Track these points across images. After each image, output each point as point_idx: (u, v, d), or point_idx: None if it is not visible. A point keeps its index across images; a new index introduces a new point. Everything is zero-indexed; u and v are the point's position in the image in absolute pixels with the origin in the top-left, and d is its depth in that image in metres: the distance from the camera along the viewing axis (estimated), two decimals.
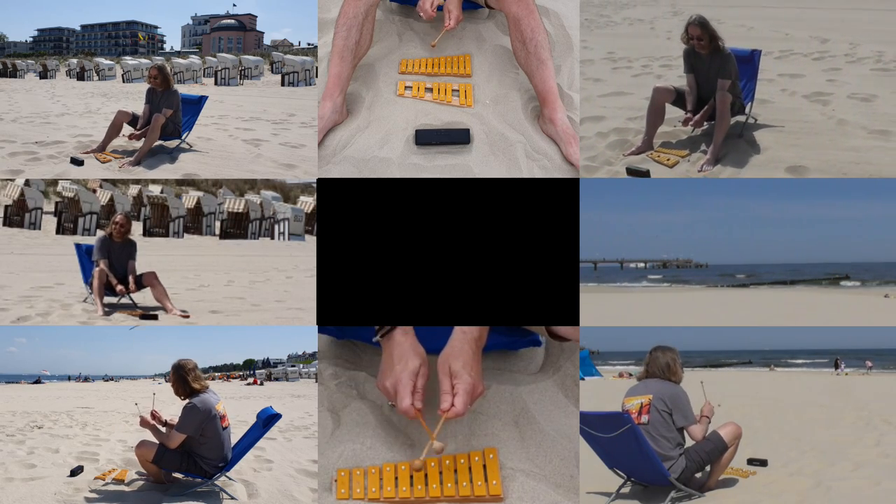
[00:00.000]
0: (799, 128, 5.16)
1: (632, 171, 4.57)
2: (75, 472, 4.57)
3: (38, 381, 14.18)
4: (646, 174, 4.56)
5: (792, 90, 5.86)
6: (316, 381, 3.94)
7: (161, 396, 4.79)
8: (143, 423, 4.28)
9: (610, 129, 5.07)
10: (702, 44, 4.80)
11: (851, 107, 5.52)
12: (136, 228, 9.59)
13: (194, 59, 10.01)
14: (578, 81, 4.80)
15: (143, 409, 4.42)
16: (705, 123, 4.91)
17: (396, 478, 3.46)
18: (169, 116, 5.87)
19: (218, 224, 10.37)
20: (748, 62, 5.03)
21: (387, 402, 3.68)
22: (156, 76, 5.94)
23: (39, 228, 9.38)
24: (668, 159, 4.73)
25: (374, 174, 4.26)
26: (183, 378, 4.22)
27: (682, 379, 4.34)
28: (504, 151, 4.34)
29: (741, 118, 5.03)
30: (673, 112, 5.03)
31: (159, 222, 10.03)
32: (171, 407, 4.34)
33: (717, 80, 4.79)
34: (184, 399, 4.22)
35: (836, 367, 14.72)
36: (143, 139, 5.74)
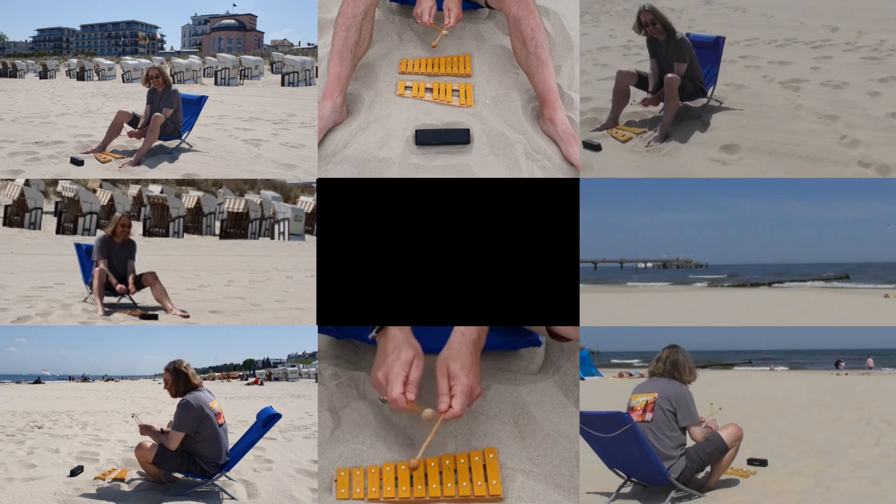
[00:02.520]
0: (756, 111, 5.41)
1: (586, 145, 4.87)
2: (75, 472, 4.57)
3: (38, 381, 14.17)
4: (597, 148, 4.89)
5: (772, 77, 6.05)
6: (316, 381, 3.94)
7: (159, 397, 4.79)
8: (143, 430, 4.28)
9: (590, 108, 5.36)
10: (656, 28, 5.06)
11: (818, 93, 5.70)
12: (136, 228, 9.60)
13: (194, 59, 10.00)
14: (578, 81, 4.80)
15: (142, 416, 4.42)
16: (661, 104, 5.19)
17: (396, 478, 3.46)
18: (169, 116, 5.87)
19: (218, 224, 10.36)
20: (713, 48, 5.30)
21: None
22: (157, 76, 5.95)
23: (39, 228, 9.37)
24: (623, 135, 5.06)
25: (374, 174, 4.26)
26: (184, 374, 4.24)
27: (695, 379, 4.35)
28: (504, 151, 4.34)
29: (703, 100, 5.32)
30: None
31: (159, 222, 10.02)
32: (170, 407, 4.34)
33: (673, 64, 5.08)
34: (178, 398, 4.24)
35: (837, 366, 14.71)
36: (143, 139, 5.74)
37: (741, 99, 5.55)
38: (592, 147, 4.88)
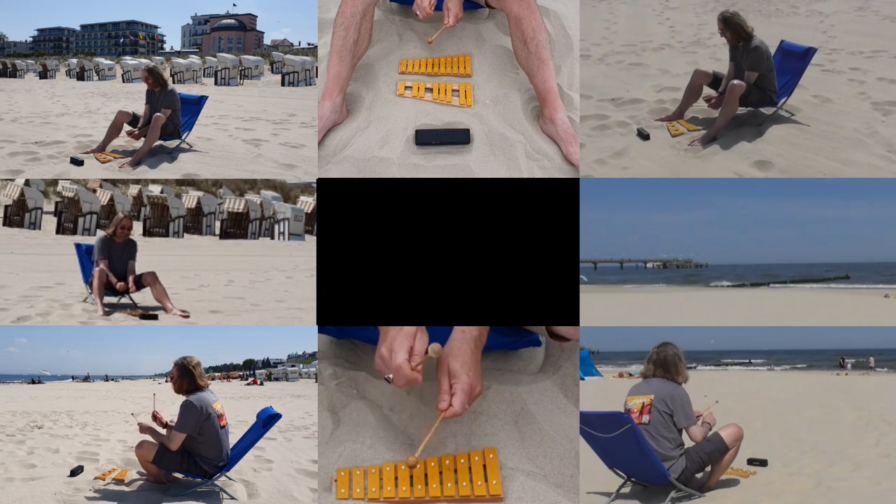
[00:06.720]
0: (821, 131, 5.07)
1: (639, 132, 5.10)
2: (75, 472, 4.57)
3: (37, 381, 14.18)
4: (646, 137, 5.04)
5: (868, 95, 5.60)
6: (316, 381, 3.94)
7: (161, 397, 4.79)
8: (143, 429, 4.28)
9: (669, 98, 5.53)
10: (726, 37, 5.16)
11: None
12: (136, 228, 9.60)
13: (194, 59, 10.00)
14: (578, 81, 4.80)
15: (141, 416, 4.42)
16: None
17: (396, 478, 3.46)
18: (168, 116, 5.88)
19: (218, 224, 10.37)
20: (801, 59, 5.21)
21: (386, 404, 3.67)
22: (146, 78, 5.99)
23: (39, 228, 9.38)
24: (676, 129, 5.15)
25: (374, 174, 4.26)
26: (190, 373, 4.23)
27: (687, 380, 4.34)
28: (504, 151, 4.34)
29: (772, 109, 5.23)
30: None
31: (159, 222, 10.03)
32: (171, 407, 4.34)
33: (745, 71, 5.09)
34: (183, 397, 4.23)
35: (842, 366, 14.72)
36: (143, 139, 5.75)
37: (816, 114, 5.21)
38: (642, 136, 5.04)
